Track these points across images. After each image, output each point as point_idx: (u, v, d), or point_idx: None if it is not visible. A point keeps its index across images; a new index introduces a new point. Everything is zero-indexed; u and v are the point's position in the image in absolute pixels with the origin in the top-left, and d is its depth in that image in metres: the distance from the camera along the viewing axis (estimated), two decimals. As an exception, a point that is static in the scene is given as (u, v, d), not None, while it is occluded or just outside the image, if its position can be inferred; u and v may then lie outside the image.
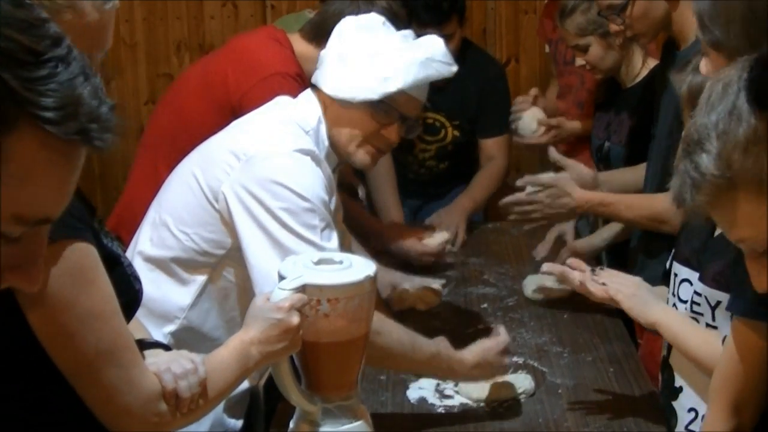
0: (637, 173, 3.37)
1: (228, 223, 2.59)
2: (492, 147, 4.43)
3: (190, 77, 3.51)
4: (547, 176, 3.30)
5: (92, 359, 1.73)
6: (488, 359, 2.73)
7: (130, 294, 1.87)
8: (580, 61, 3.74)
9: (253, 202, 2.53)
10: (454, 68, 2.76)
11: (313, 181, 2.57)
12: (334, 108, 2.70)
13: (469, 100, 4.39)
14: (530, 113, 4.26)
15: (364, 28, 2.72)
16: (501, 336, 2.79)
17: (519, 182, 3.35)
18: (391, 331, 2.56)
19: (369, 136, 2.72)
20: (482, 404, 2.80)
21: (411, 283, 3.47)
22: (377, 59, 2.66)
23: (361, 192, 4.02)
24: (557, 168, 3.37)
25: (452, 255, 4.00)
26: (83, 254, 1.70)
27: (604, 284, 2.53)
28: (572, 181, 3.22)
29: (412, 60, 2.67)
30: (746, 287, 1.89)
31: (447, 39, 4.20)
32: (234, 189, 2.56)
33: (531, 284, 3.56)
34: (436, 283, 3.51)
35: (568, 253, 3.50)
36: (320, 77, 2.73)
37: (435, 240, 3.81)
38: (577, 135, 4.22)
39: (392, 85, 2.66)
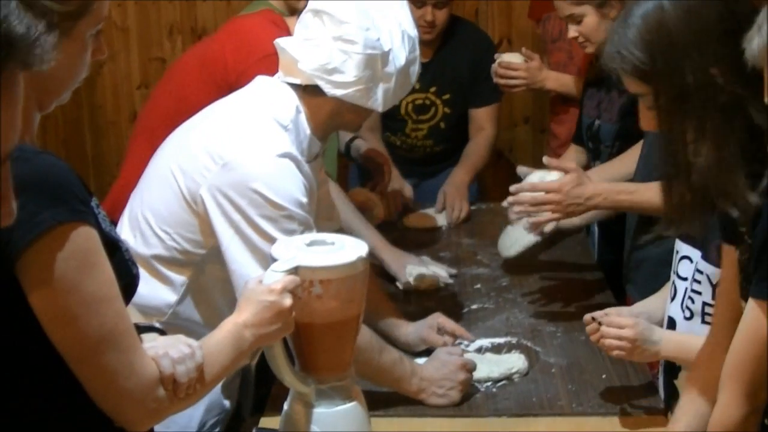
0: (622, 166, 3.36)
1: (207, 226, 2.58)
2: (482, 116, 4.51)
3: (187, 60, 3.51)
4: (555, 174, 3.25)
5: (94, 343, 1.73)
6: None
7: (128, 278, 1.87)
8: (572, 32, 3.71)
9: (231, 208, 2.53)
10: None
11: (291, 186, 2.55)
12: (339, 104, 2.66)
13: (460, 73, 4.43)
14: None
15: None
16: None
17: (520, 170, 3.29)
18: (363, 333, 2.54)
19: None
20: (475, 384, 2.81)
21: (425, 268, 3.52)
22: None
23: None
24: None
25: (446, 235, 4.07)
26: (87, 238, 1.71)
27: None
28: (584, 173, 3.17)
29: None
30: None
31: (440, 5, 4.25)
32: (211, 193, 2.54)
33: (506, 242, 3.61)
34: (444, 273, 3.55)
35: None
36: (325, 81, 2.62)
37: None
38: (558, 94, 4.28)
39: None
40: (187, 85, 3.33)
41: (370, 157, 4.23)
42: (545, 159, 3.23)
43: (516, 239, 3.55)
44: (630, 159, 3.25)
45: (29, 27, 1.35)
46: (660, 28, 2.14)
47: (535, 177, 3.21)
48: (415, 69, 2.73)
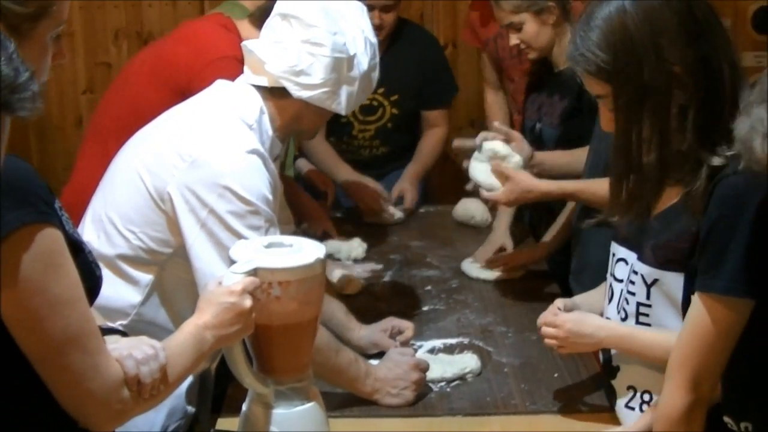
0: (571, 157, 3.42)
1: (174, 224, 2.59)
2: (435, 117, 4.62)
3: (140, 64, 3.49)
4: (500, 144, 3.33)
5: (59, 345, 1.73)
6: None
7: (92, 280, 1.87)
8: (514, 40, 3.76)
9: (198, 204, 2.54)
10: None
11: (258, 182, 2.58)
12: (303, 106, 2.70)
13: (408, 74, 4.47)
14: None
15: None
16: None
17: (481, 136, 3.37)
18: (320, 334, 2.56)
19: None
20: (429, 384, 2.84)
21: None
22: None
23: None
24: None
25: (397, 237, 4.12)
26: (53, 239, 1.71)
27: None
28: (528, 174, 3.25)
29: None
30: (723, 266, 1.93)
31: (388, 9, 4.30)
32: (180, 190, 2.56)
33: (473, 266, 3.66)
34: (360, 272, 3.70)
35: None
36: (292, 83, 2.67)
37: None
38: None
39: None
40: (140, 89, 3.32)
41: (311, 180, 4.40)
42: (496, 124, 3.45)
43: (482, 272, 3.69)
44: (581, 152, 3.31)
45: (17, 71, 1.35)
46: (622, 29, 2.20)
47: (497, 146, 3.31)
48: (376, 75, 2.79)
